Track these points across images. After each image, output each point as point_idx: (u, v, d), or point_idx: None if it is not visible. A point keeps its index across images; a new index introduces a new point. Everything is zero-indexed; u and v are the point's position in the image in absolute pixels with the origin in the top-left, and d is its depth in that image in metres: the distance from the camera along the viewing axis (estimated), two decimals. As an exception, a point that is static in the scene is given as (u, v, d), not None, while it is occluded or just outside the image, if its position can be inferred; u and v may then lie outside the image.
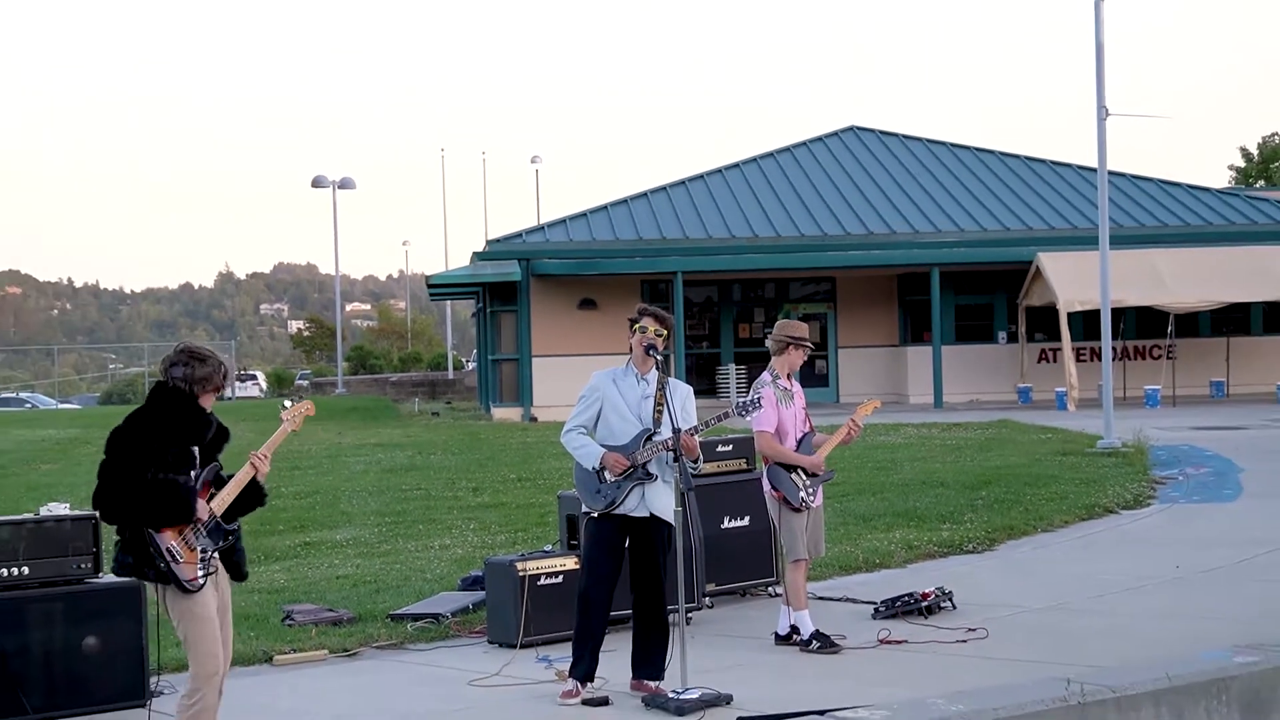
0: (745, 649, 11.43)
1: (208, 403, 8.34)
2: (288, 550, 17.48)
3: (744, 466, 13.59)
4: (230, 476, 8.41)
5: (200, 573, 8.14)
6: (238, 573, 8.51)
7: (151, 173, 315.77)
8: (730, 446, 13.56)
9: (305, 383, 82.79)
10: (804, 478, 11.46)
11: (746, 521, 13.27)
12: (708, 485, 12.77)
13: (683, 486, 9.82)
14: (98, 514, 8.38)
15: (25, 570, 9.81)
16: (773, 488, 11.58)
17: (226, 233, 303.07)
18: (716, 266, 42.22)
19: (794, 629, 11.41)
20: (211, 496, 8.25)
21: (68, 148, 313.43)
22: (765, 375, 11.73)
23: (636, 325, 10.15)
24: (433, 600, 13.20)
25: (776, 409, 11.53)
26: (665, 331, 10.16)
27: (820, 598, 13.11)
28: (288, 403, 8.74)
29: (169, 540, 8.09)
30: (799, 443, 11.57)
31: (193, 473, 8.22)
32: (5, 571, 9.76)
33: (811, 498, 11.48)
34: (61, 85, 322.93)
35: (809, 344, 11.77)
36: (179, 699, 8.27)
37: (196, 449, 8.29)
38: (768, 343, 12.00)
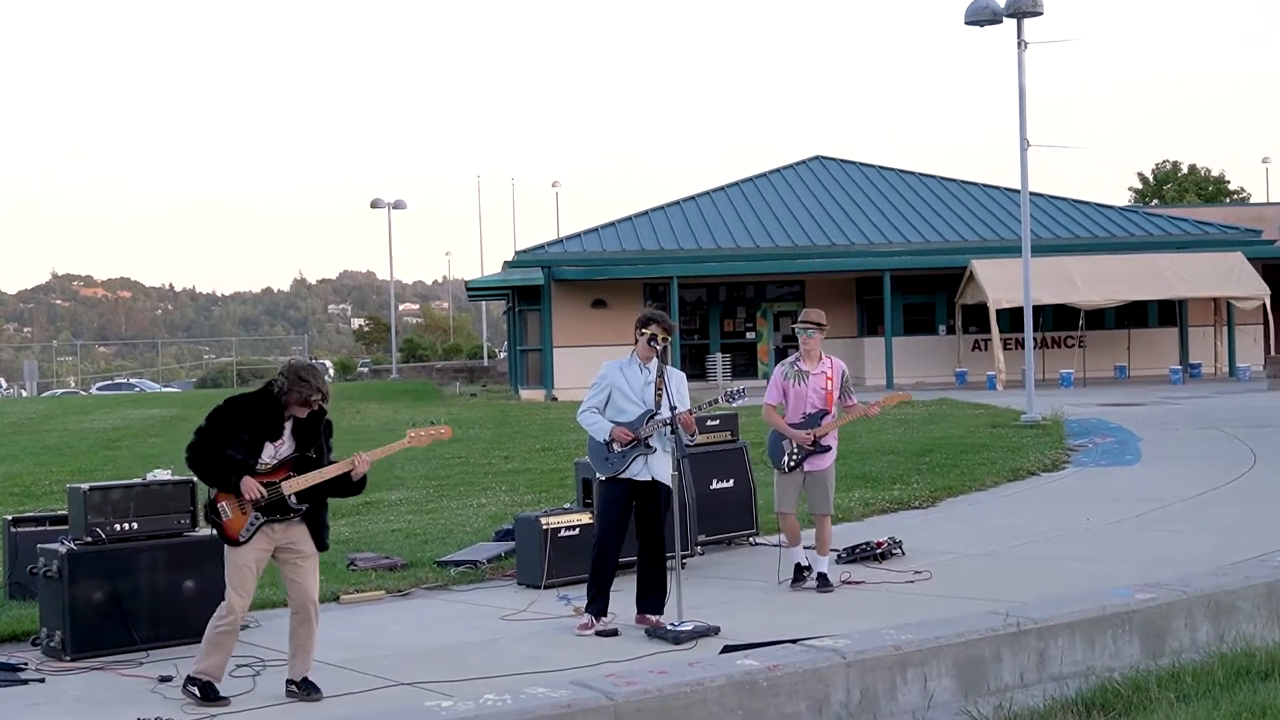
0: (730, 589, 11.41)
1: (298, 412, 8.38)
2: (352, 508, 17.40)
3: (729, 438, 13.57)
4: (327, 463, 8.50)
5: (245, 534, 8.32)
6: (318, 542, 8.56)
7: (238, 195, 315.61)
8: (718, 421, 13.52)
9: (366, 370, 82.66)
10: (793, 446, 11.38)
11: (731, 483, 13.26)
12: (699, 453, 12.74)
13: (677, 455, 9.83)
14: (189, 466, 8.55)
15: (135, 525, 9.81)
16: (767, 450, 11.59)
17: (300, 245, 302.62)
18: (706, 272, 42.20)
19: (821, 573, 11.31)
20: (286, 478, 8.37)
21: (168, 174, 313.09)
22: (790, 356, 11.64)
23: (646, 331, 10.09)
24: (471, 549, 13.17)
25: (781, 386, 11.42)
26: (669, 336, 10.18)
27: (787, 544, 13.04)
28: (420, 424, 8.77)
29: (224, 501, 8.36)
30: (808, 417, 11.34)
31: (266, 456, 8.31)
32: (118, 526, 9.76)
33: (793, 462, 11.36)
34: (161, 123, 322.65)
35: (805, 325, 11.42)
36: (214, 615, 8.42)
37: (270, 442, 8.37)
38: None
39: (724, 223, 44.18)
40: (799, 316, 11.67)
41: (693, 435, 10.07)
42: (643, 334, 10.11)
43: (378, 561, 12.68)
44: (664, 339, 10.13)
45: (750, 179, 48.35)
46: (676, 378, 10.21)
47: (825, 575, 11.25)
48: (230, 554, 8.37)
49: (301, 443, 8.46)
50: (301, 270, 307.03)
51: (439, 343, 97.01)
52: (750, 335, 44.79)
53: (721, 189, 47.39)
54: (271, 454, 8.39)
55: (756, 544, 13.44)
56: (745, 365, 43.42)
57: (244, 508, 8.30)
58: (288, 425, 8.42)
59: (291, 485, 8.37)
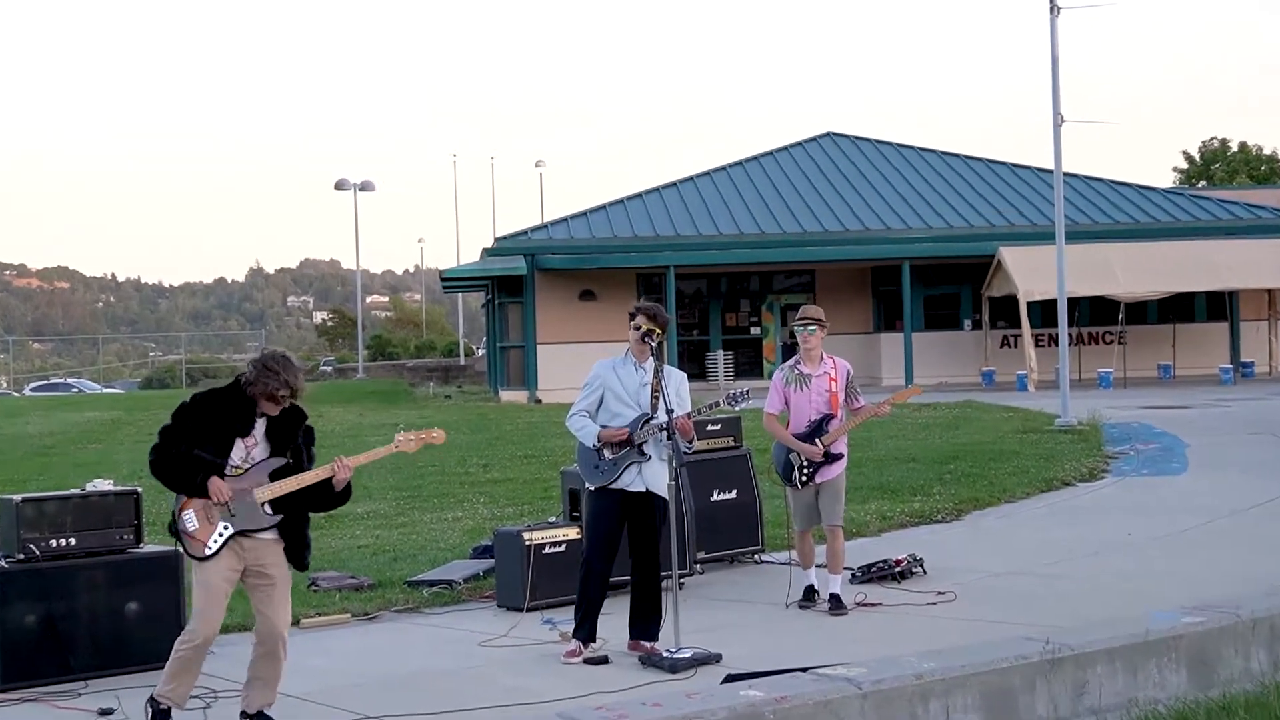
0: (733, 611, 11.41)
1: (266, 408, 8.31)
2: (313, 522, 17.37)
3: (732, 444, 13.60)
4: (304, 471, 8.43)
5: (213, 545, 8.20)
6: (297, 561, 8.52)
7: (188, 176, 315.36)
8: (719, 425, 13.53)
9: (329, 369, 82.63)
10: (802, 459, 11.41)
11: (734, 494, 13.28)
12: (698, 461, 12.74)
13: (675, 463, 9.85)
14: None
15: (72, 541, 9.79)
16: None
17: (257, 231, 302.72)
18: (706, 261, 42.20)
19: (833, 594, 11.35)
20: (255, 485, 8.30)
21: (111, 153, 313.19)
22: (791, 358, 11.72)
23: (634, 323, 10.11)
24: (446, 568, 13.18)
25: (782, 393, 11.51)
26: (659, 328, 10.14)
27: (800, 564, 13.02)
28: (405, 431, 8.73)
29: (189, 508, 8.25)
30: (814, 424, 11.41)
31: (236, 458, 8.23)
32: (54, 543, 9.74)
33: (805, 477, 11.41)
34: (103, 96, 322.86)
35: (804, 322, 11.46)
36: (177, 640, 8.35)
37: (240, 439, 8.30)
38: None
39: (726, 207, 44.17)
40: (797, 313, 11.70)
41: (690, 442, 10.06)
42: (634, 328, 10.12)
43: (342, 581, 12.68)
44: (651, 331, 10.07)
45: (755, 158, 48.37)
46: (676, 378, 10.24)
47: (838, 596, 11.26)
48: (197, 571, 8.29)
49: (277, 445, 8.40)
50: (258, 259, 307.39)
51: (411, 339, 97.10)
52: (755, 331, 44.81)
53: (723, 169, 47.40)
54: (243, 455, 8.32)
55: (762, 561, 13.45)
56: (749, 364, 43.47)
57: (211, 515, 8.22)
58: (260, 423, 8.36)
59: (264, 492, 8.29)
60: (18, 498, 9.85)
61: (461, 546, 14.41)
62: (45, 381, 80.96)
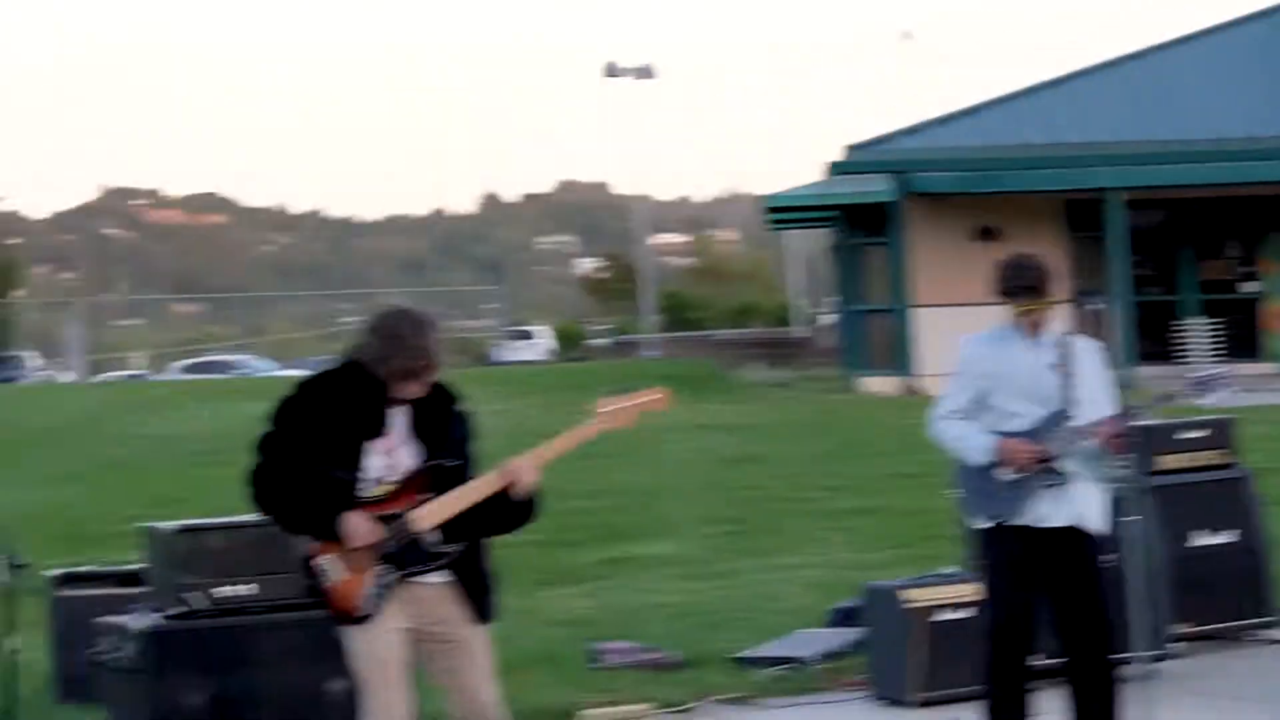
0: (1232, 715, 11.20)
1: (406, 389, 8.15)
2: (589, 569, 17.60)
3: (1221, 460, 13.37)
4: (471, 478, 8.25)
5: (369, 603, 8.05)
6: (482, 610, 8.33)
7: (391, 67, 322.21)
8: (1205, 432, 13.28)
9: (606, 342, 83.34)
10: None
11: (1231, 537, 13.08)
12: (1167, 484, 12.61)
13: (1121, 487, 9.66)
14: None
15: (253, 589, 9.94)
16: None
17: (492, 143, 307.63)
18: (1168, 180, 41.54)
19: None
20: (415, 505, 8.10)
21: (278, 41, 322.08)
22: None
23: (1012, 306, 9.75)
24: (791, 640, 13.20)
25: None
26: (1047, 294, 9.68)
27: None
28: (609, 398, 8.46)
29: (325, 551, 8.08)
30: None
31: (375, 469, 8.10)
32: (225, 590, 9.89)
33: None
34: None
35: None
36: None
37: (372, 441, 8.13)
38: None
39: (1200, 96, 43.18)
40: None
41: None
42: (1017, 314, 9.75)
43: (637, 656, 12.82)
44: (1036, 305, 9.70)
45: (1248, 19, 47.07)
46: (1088, 353, 9.87)
47: None
48: (350, 641, 8.15)
49: (431, 441, 8.24)
50: (495, 182, 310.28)
51: (722, 299, 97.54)
52: (1247, 288, 43.81)
53: (1195, 38, 46.47)
54: (384, 465, 8.16)
55: (1277, 641, 13.18)
56: (1237, 339, 42.09)
57: (358, 560, 8.05)
58: (399, 416, 8.22)
59: (428, 514, 8.10)
60: (171, 526, 10.07)
61: (810, 608, 14.46)
62: (197, 360, 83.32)
